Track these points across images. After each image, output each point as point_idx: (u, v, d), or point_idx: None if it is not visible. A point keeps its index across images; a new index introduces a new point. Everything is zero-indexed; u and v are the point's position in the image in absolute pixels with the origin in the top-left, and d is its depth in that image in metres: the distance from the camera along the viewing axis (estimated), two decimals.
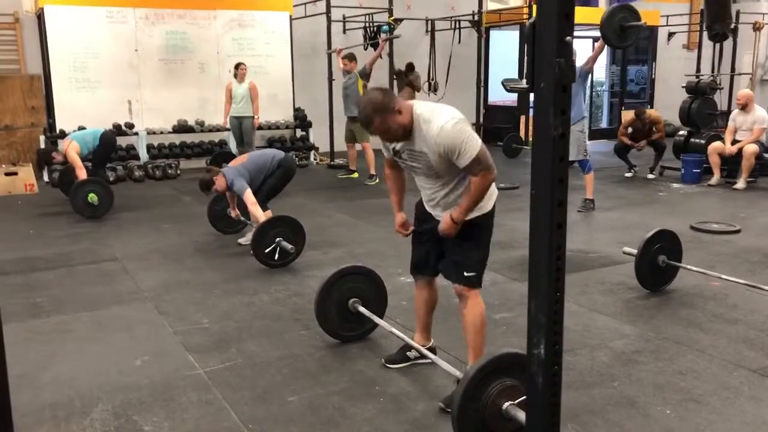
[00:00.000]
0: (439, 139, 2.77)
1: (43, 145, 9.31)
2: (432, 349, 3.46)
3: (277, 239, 5.15)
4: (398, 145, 2.97)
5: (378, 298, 3.74)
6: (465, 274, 3.02)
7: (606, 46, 6.67)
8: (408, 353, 3.45)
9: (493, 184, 3.01)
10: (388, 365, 3.43)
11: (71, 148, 7.11)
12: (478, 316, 3.07)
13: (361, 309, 3.62)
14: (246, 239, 6.00)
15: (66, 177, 7.63)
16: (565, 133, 1.37)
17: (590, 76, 7.06)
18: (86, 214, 6.99)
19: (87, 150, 7.29)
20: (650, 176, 9.28)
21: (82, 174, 7.06)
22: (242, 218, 5.95)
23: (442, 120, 2.78)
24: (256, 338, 3.85)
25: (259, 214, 5.34)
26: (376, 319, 3.58)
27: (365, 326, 3.74)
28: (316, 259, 5.42)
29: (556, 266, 1.43)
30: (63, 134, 9.23)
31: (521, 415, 2.33)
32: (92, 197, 6.93)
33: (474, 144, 2.77)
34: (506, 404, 2.45)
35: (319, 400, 3.12)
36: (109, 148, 7.71)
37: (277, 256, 5.16)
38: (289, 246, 5.12)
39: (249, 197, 5.33)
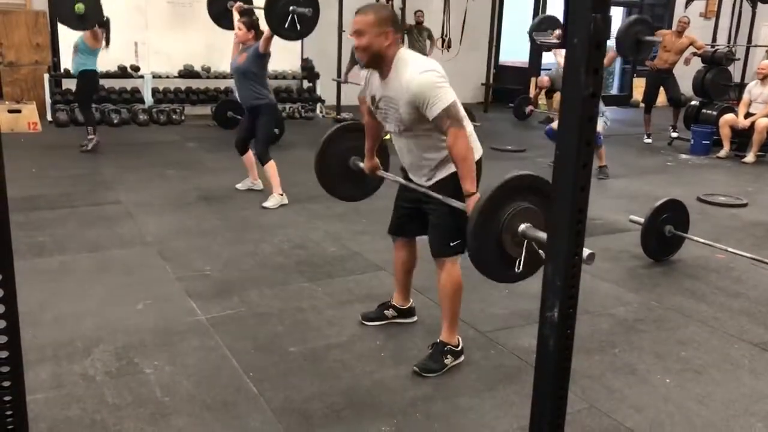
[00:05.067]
0: (411, 85, 2.67)
1: (47, 85, 9.19)
2: (411, 310, 3.46)
3: (291, 8, 5.05)
4: (379, 92, 2.87)
5: None
6: (450, 244, 2.90)
7: (619, 55, 6.68)
8: (386, 312, 3.44)
9: (477, 142, 2.91)
10: (364, 322, 3.42)
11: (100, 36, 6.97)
12: (455, 284, 2.96)
13: (383, 174, 3.35)
14: (243, 185, 5.99)
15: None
16: (595, 93, 1.32)
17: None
18: (73, 26, 6.69)
19: (86, 61, 7.12)
20: (673, 134, 9.28)
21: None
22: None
23: (419, 68, 2.68)
24: (259, 288, 3.84)
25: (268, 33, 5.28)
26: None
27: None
28: (319, 213, 5.40)
29: (577, 229, 1.39)
30: (68, 73, 9.10)
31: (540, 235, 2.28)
32: (79, 7, 6.55)
33: (445, 95, 2.64)
34: (523, 226, 2.35)
35: (320, 352, 3.13)
36: (89, 85, 7.50)
37: (296, 24, 5.06)
38: (306, 9, 5.02)
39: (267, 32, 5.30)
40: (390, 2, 10.36)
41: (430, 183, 2.94)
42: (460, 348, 3.05)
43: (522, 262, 2.38)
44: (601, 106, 7.00)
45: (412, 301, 3.48)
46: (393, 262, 3.44)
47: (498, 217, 2.34)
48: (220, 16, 6.64)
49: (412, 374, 2.94)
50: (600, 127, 6.81)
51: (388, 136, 3.09)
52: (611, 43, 6.68)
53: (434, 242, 2.98)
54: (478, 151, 2.92)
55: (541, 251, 2.28)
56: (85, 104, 7.49)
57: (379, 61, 2.77)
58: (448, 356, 2.99)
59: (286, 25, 4.97)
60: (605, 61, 7.07)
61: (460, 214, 2.78)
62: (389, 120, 2.90)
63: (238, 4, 6.04)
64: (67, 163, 6.86)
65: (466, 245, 2.94)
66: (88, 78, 7.33)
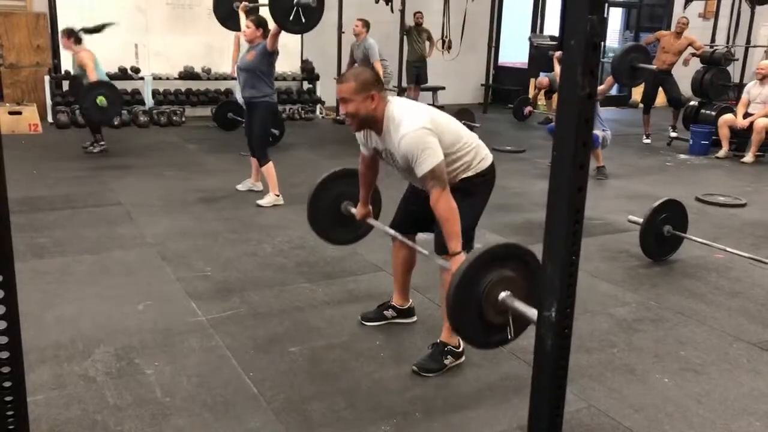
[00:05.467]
0: (401, 145, 2.77)
1: (47, 87, 9.20)
2: (410, 310, 3.48)
3: (295, 0, 5.10)
4: (380, 146, 2.96)
5: None
6: None
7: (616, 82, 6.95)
8: (385, 312, 3.46)
9: (486, 148, 3.01)
10: (364, 323, 3.44)
11: (89, 56, 7.01)
12: None
13: (374, 223, 3.44)
14: (243, 185, 6.01)
15: (77, 86, 7.48)
16: (592, 94, 1.34)
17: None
18: (95, 118, 7.05)
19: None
20: (672, 134, 9.27)
21: (93, 76, 6.96)
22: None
23: (408, 127, 2.75)
24: (259, 288, 3.85)
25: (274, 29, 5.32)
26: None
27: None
28: None
29: (574, 229, 1.41)
30: (68, 75, 9.12)
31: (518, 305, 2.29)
32: (101, 100, 6.86)
33: (431, 157, 2.72)
34: (503, 294, 2.33)
35: (320, 352, 3.14)
36: None
37: (301, 17, 5.09)
38: (310, 0, 5.06)
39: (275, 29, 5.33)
40: (390, 4, 10.41)
41: None
42: (461, 349, 3.06)
43: (512, 329, 2.39)
44: (601, 113, 7.04)
45: (411, 301, 3.49)
46: (392, 262, 3.45)
47: (477, 287, 2.34)
48: (227, 17, 6.65)
49: (411, 374, 2.95)
50: (599, 133, 6.84)
51: None
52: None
53: (439, 240, 2.99)
54: (487, 159, 3.00)
55: (525, 315, 2.26)
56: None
57: (369, 123, 2.87)
58: (448, 356, 3.00)
59: (291, 18, 4.96)
60: (603, 86, 7.24)
61: (465, 215, 2.85)
62: (395, 167, 3.00)
63: (244, 3, 6.06)
64: (67, 164, 6.87)
65: (469, 246, 3.00)
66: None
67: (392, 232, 3.23)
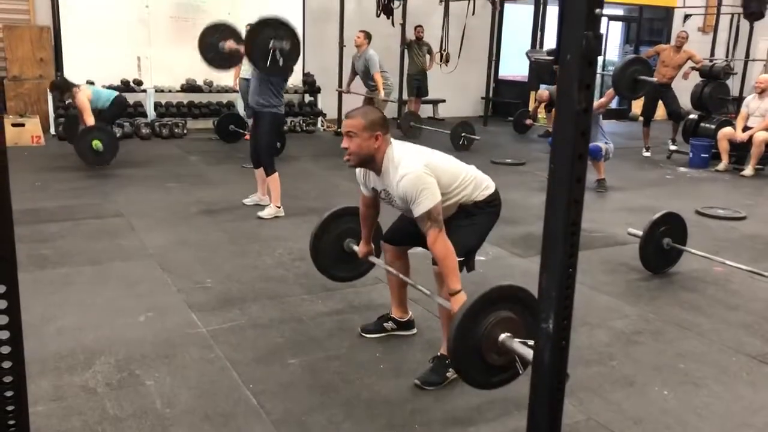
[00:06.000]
0: (399, 187, 2.84)
1: (50, 99, 9.25)
2: (410, 323, 3.50)
3: (270, 41, 5.16)
4: (379, 186, 3.01)
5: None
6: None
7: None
8: (385, 324, 3.47)
9: (488, 179, 3.07)
10: (363, 334, 3.45)
11: (83, 93, 7.09)
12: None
13: (376, 261, 3.52)
14: (251, 200, 6.02)
15: (72, 125, 7.62)
16: (588, 108, 1.36)
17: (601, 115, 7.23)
18: (90, 161, 7.05)
19: (94, 106, 7.22)
20: (672, 147, 9.29)
21: (89, 120, 7.03)
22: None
23: (406, 168, 2.81)
24: (259, 300, 3.87)
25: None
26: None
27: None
28: None
29: (571, 241, 1.42)
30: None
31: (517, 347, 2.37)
32: (96, 144, 6.94)
33: (428, 198, 2.77)
34: (503, 335, 2.43)
35: (319, 364, 3.15)
36: (119, 110, 7.66)
37: (278, 59, 5.17)
38: (283, 42, 5.15)
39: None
40: (391, 18, 10.49)
41: None
42: None
43: (521, 364, 2.46)
44: (604, 126, 7.08)
45: (411, 313, 3.50)
46: (386, 276, 3.46)
47: (477, 329, 2.42)
48: (217, 58, 6.41)
49: (411, 386, 2.96)
50: (602, 145, 6.88)
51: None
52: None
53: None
54: (489, 188, 3.07)
55: (525, 357, 2.34)
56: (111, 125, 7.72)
57: (369, 162, 2.93)
58: (450, 369, 3.01)
59: (268, 62, 5.10)
60: (604, 99, 7.22)
61: (466, 234, 2.95)
62: (394, 207, 3.05)
63: (230, 42, 5.95)
64: (69, 176, 6.90)
65: (467, 265, 3.03)
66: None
67: (394, 271, 3.28)
